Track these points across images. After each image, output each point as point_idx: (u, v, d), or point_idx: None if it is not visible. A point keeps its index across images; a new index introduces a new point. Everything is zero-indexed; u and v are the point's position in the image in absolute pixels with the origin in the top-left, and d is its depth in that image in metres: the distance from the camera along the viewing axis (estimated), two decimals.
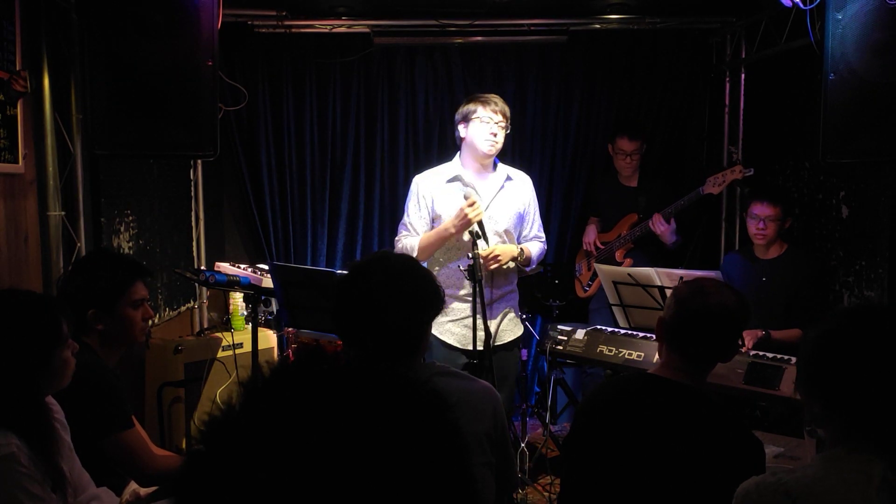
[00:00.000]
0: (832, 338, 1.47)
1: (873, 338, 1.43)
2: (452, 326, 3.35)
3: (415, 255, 3.23)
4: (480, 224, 3.14)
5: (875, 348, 1.42)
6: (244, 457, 0.59)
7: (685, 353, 1.92)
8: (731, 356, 1.99)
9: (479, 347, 3.09)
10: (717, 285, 2.00)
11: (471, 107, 3.32)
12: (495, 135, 3.28)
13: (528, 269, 3.58)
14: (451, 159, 3.51)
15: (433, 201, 3.36)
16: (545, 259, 4.95)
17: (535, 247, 3.50)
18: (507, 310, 3.47)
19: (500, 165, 3.49)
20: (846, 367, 1.43)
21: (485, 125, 3.28)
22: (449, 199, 3.33)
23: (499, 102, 3.31)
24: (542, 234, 3.60)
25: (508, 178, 3.46)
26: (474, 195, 3.21)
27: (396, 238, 3.43)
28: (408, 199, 3.45)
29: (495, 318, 3.39)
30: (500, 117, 3.29)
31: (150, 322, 3.84)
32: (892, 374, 1.40)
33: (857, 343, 1.44)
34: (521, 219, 3.47)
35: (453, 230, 3.20)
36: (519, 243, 3.48)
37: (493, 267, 3.27)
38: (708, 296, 1.93)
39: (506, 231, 3.39)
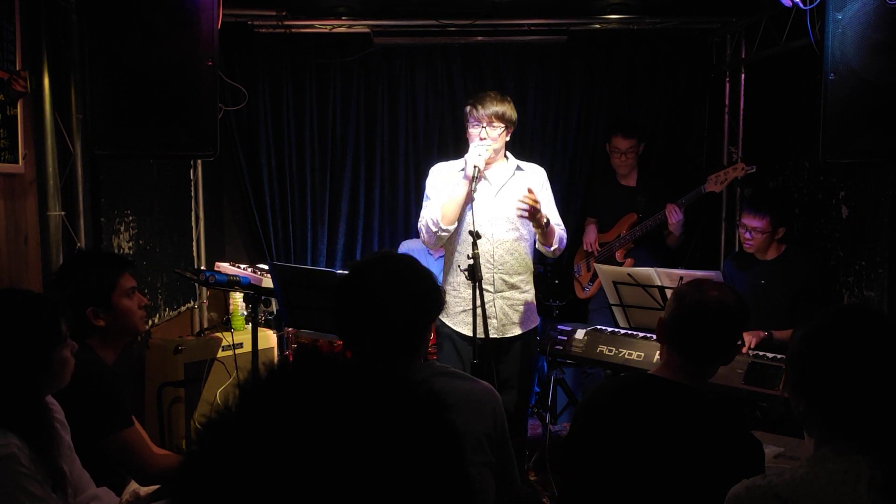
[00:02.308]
0: (816, 337, 1.48)
1: (856, 338, 1.45)
2: (465, 317, 3.35)
3: (439, 217, 3.28)
4: (478, 171, 3.23)
5: (857, 349, 1.43)
6: (241, 458, 0.60)
7: (683, 351, 1.92)
8: (730, 357, 1.98)
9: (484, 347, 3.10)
10: (717, 284, 2.00)
11: (466, 109, 3.41)
12: (483, 139, 3.32)
13: (549, 248, 3.50)
14: (448, 158, 3.60)
15: (442, 189, 3.41)
16: (545, 259, 4.96)
17: (559, 228, 3.51)
18: (520, 299, 3.45)
19: (511, 158, 3.53)
20: (829, 367, 1.44)
21: (474, 129, 3.35)
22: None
23: (489, 103, 3.34)
24: (561, 223, 3.59)
25: (519, 169, 3.50)
26: (482, 150, 3.27)
27: (420, 220, 3.43)
28: (426, 187, 3.48)
29: (507, 307, 3.40)
30: (487, 118, 3.32)
31: (150, 323, 3.88)
32: (873, 375, 1.41)
33: (840, 343, 1.45)
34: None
35: (463, 178, 3.27)
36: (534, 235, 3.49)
37: (520, 207, 3.25)
38: (705, 292, 1.93)
39: (519, 217, 3.37)
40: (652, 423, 1.86)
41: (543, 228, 3.35)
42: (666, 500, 1.81)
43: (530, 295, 3.51)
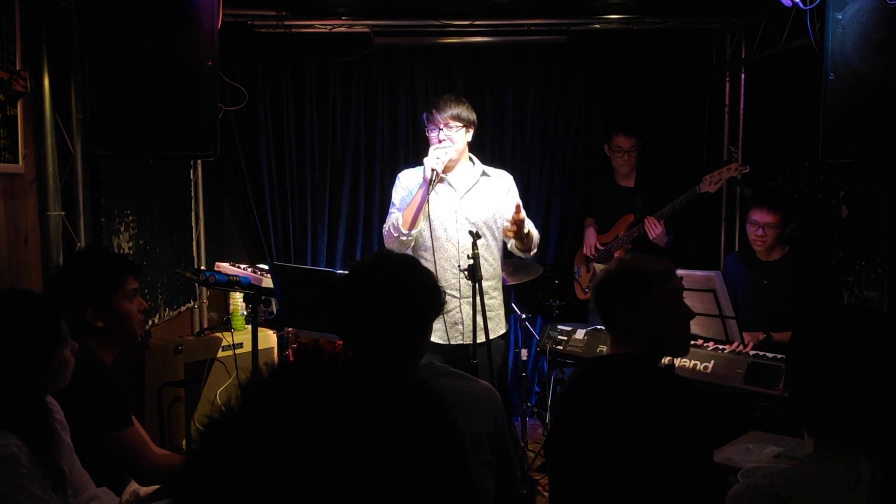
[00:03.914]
0: (815, 337, 1.49)
1: (855, 337, 1.45)
2: (434, 323, 3.34)
3: (401, 223, 3.33)
4: (435, 174, 3.28)
5: (856, 348, 1.44)
6: (242, 458, 0.60)
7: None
8: (632, 325, 2.01)
9: (479, 346, 3.10)
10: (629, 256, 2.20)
11: (423, 115, 3.46)
12: (441, 141, 3.35)
13: (528, 254, 3.54)
14: None
15: (412, 194, 3.42)
16: (545, 259, 4.97)
17: (534, 230, 3.53)
18: (490, 305, 3.45)
19: (478, 163, 3.54)
20: (828, 366, 1.44)
21: (432, 133, 3.39)
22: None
23: (443, 106, 3.36)
24: (531, 224, 3.58)
25: (484, 174, 3.51)
26: (440, 153, 3.31)
27: (384, 226, 3.47)
28: (393, 192, 3.53)
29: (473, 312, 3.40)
30: (444, 121, 3.34)
31: (150, 323, 3.88)
32: (872, 374, 1.41)
33: (839, 342, 1.46)
34: (500, 213, 3.48)
35: (421, 183, 3.33)
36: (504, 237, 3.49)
37: (509, 230, 3.31)
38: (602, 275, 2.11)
39: (485, 222, 3.40)
40: (593, 396, 1.98)
41: (524, 241, 3.39)
42: (630, 465, 1.88)
43: (498, 301, 3.51)
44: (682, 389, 1.97)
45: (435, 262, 3.31)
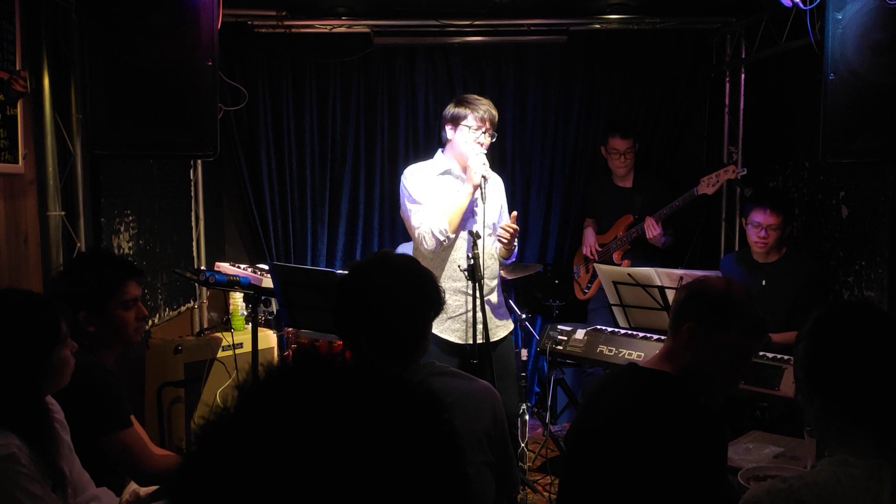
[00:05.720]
0: (825, 333, 1.46)
1: (865, 330, 1.43)
2: (452, 324, 3.34)
3: (446, 226, 3.23)
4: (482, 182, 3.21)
5: (868, 340, 1.41)
6: (238, 459, 0.60)
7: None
8: (690, 334, 1.91)
9: (480, 343, 3.12)
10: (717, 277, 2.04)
11: (460, 110, 3.30)
12: (482, 144, 3.28)
13: (507, 261, 3.58)
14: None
15: (427, 192, 3.35)
16: (545, 259, 4.98)
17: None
18: (498, 301, 3.49)
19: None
20: (842, 361, 1.42)
21: (472, 133, 3.27)
22: (442, 191, 3.33)
23: (487, 108, 3.30)
24: None
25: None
26: (483, 158, 3.25)
27: (416, 226, 3.30)
28: (408, 190, 3.36)
29: (490, 310, 3.41)
30: (487, 124, 3.28)
31: (150, 323, 3.88)
32: (885, 367, 1.39)
33: (851, 335, 1.43)
34: (502, 213, 3.52)
35: (469, 184, 3.25)
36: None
37: (503, 237, 3.30)
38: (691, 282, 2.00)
39: (493, 223, 3.39)
40: (614, 410, 1.89)
41: (511, 247, 3.40)
42: (633, 483, 1.81)
43: (501, 297, 3.56)
44: (705, 418, 1.83)
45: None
